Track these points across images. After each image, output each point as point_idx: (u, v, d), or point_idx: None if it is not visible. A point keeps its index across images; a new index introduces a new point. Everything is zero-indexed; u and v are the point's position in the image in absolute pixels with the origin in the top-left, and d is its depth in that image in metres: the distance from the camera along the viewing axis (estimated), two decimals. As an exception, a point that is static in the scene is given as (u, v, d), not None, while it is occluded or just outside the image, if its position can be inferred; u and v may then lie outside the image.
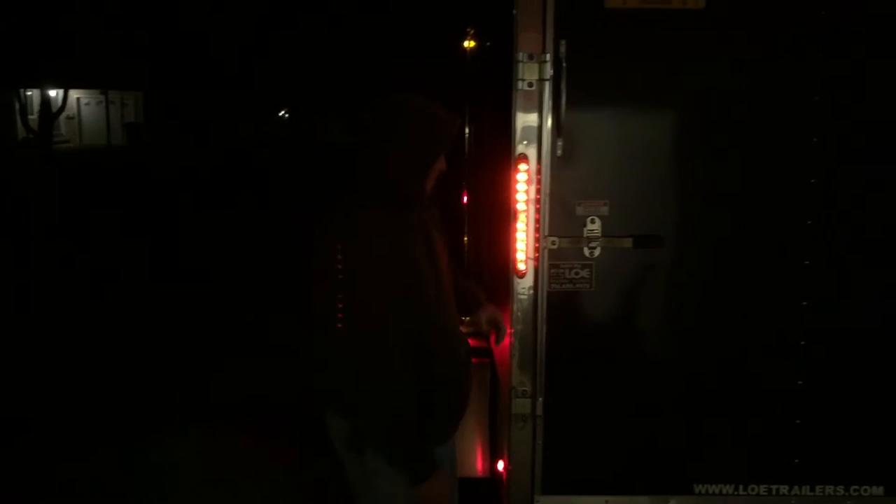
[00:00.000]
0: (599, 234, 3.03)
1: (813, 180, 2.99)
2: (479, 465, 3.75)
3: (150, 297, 8.21)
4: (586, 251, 3.04)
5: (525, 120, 2.99)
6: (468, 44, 5.19)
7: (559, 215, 3.03)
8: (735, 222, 3.04)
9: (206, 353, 6.38)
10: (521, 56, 2.95)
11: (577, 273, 3.06)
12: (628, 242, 3.03)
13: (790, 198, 3.01)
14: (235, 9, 26.49)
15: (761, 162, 3.01)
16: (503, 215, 3.23)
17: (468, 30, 5.17)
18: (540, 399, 3.08)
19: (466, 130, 5.22)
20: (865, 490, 3.12)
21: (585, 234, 3.03)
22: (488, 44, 4.31)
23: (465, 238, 5.30)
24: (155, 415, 5.14)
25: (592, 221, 3.03)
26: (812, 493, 3.12)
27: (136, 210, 14.10)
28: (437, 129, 2.36)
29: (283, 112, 39.73)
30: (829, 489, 3.12)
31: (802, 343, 3.06)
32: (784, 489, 3.12)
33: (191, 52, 27.76)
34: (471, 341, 4.01)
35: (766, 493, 3.12)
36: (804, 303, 3.04)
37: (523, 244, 3.05)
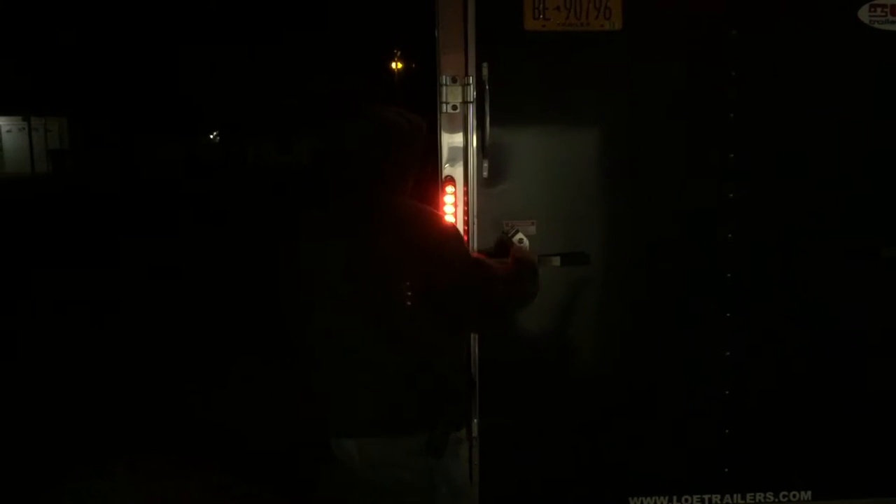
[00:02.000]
0: (528, 254, 3.05)
1: (731, 195, 3.07)
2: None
3: (76, 328, 7.96)
4: (516, 271, 3.05)
5: (450, 142, 3.01)
6: (396, 65, 5.22)
7: (488, 235, 3.04)
8: (658, 237, 3.10)
9: (130, 384, 6.21)
10: (443, 79, 2.97)
11: (507, 293, 3.07)
12: (556, 261, 3.06)
13: (710, 213, 3.09)
14: (161, 30, 26.09)
15: (681, 179, 3.08)
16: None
17: (395, 52, 5.19)
18: (475, 420, 3.08)
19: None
20: (794, 495, 3.20)
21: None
22: (414, 65, 4.33)
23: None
24: (74, 451, 4.96)
25: (521, 241, 3.05)
26: (743, 501, 3.19)
27: (64, 240, 13.71)
28: (415, 133, 2.49)
29: (213, 134, 39.22)
30: (760, 496, 3.19)
31: (728, 353, 3.13)
32: (716, 498, 3.18)
33: (115, 75, 27.23)
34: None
35: (699, 503, 3.18)
36: (728, 314, 3.12)
37: (452, 265, 3.05)
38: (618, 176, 3.11)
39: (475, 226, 3.02)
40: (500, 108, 2.97)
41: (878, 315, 3.15)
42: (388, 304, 2.34)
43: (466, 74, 2.96)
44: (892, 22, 3.04)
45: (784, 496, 3.19)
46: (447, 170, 3.02)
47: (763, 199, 3.08)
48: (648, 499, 3.17)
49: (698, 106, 3.06)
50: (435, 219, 2.44)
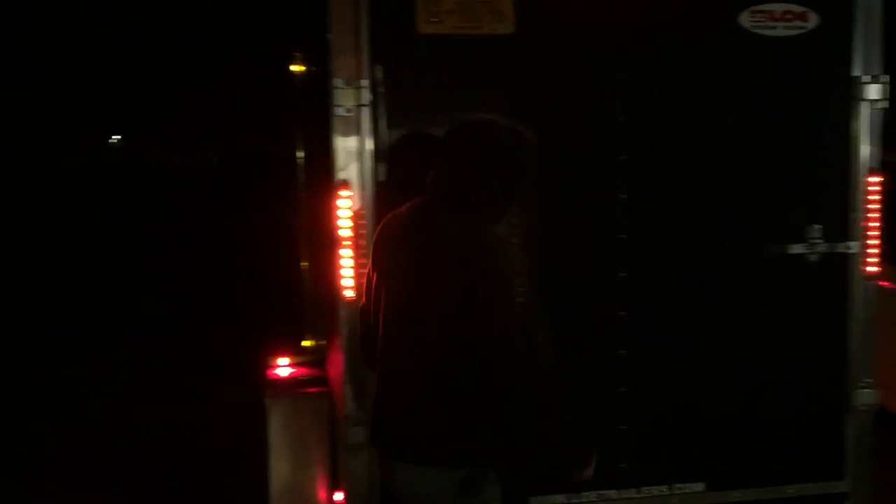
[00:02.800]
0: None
1: (623, 196, 3.14)
2: (320, 497, 3.67)
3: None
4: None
5: (345, 145, 2.98)
6: (296, 68, 5.13)
7: (384, 240, 3.02)
8: (553, 239, 3.14)
9: (19, 401, 5.93)
10: (337, 82, 2.93)
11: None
12: (454, 263, 3.05)
13: (602, 214, 3.14)
14: (57, 31, 25.10)
15: (574, 180, 3.13)
16: (331, 241, 3.19)
17: (295, 54, 5.11)
18: (374, 425, 3.05)
19: (300, 155, 5.16)
20: (688, 487, 3.28)
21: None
22: (313, 68, 4.27)
23: (305, 264, 5.22)
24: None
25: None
26: (639, 495, 3.25)
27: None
28: (518, 149, 2.41)
29: (114, 139, 37.92)
30: (655, 490, 3.26)
31: (622, 352, 3.19)
32: (613, 494, 3.23)
33: (14, 80, 26.04)
34: (306, 370, 4.00)
35: (596, 500, 3.22)
36: (622, 313, 3.18)
37: (350, 270, 3.02)
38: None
39: (371, 230, 2.99)
40: (396, 111, 2.96)
41: (763, 310, 3.26)
42: (447, 332, 2.28)
43: (360, 77, 2.93)
44: (772, 27, 3.17)
45: (678, 488, 3.27)
46: (342, 173, 2.98)
47: (653, 200, 3.15)
48: (546, 498, 3.19)
49: (589, 109, 3.11)
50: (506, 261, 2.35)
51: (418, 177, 3.07)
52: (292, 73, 5.18)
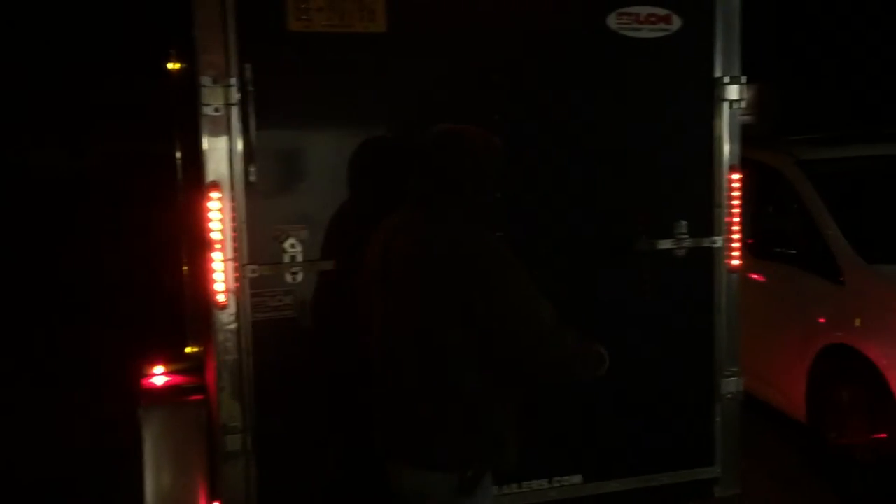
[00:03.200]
0: (301, 259, 2.99)
1: (498, 195, 3.16)
2: (198, 508, 3.56)
3: None
4: (288, 277, 2.99)
5: (214, 145, 2.89)
6: (172, 65, 4.97)
7: (258, 242, 2.96)
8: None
9: None
10: (204, 80, 2.85)
11: (280, 300, 3.00)
12: (330, 265, 3.02)
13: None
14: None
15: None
16: (203, 244, 3.09)
17: (170, 51, 4.95)
18: (250, 433, 2.98)
19: (177, 154, 5.00)
20: (567, 480, 3.35)
21: (286, 260, 2.98)
22: (185, 66, 4.14)
23: (186, 268, 5.06)
24: None
25: (293, 246, 2.99)
26: (520, 490, 3.29)
27: None
28: (494, 152, 2.63)
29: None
30: (535, 483, 3.31)
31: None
32: (494, 490, 3.25)
33: None
34: (183, 378, 3.88)
35: (477, 496, 3.24)
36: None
37: (222, 274, 2.94)
38: (388, 178, 3.11)
39: (244, 232, 2.93)
40: (267, 110, 2.89)
41: (634, 304, 3.35)
42: (442, 335, 2.44)
43: (228, 76, 2.86)
44: (637, 29, 3.26)
45: (557, 482, 3.33)
46: (212, 175, 2.90)
47: (525, 199, 3.19)
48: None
49: (462, 107, 3.12)
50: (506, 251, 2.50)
51: (290, 177, 3.03)
52: (168, 71, 5.01)
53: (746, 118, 3.55)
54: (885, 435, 3.86)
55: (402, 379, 2.52)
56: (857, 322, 4.14)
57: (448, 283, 2.41)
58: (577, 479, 3.34)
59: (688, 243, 3.35)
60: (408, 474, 2.55)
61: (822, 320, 4.37)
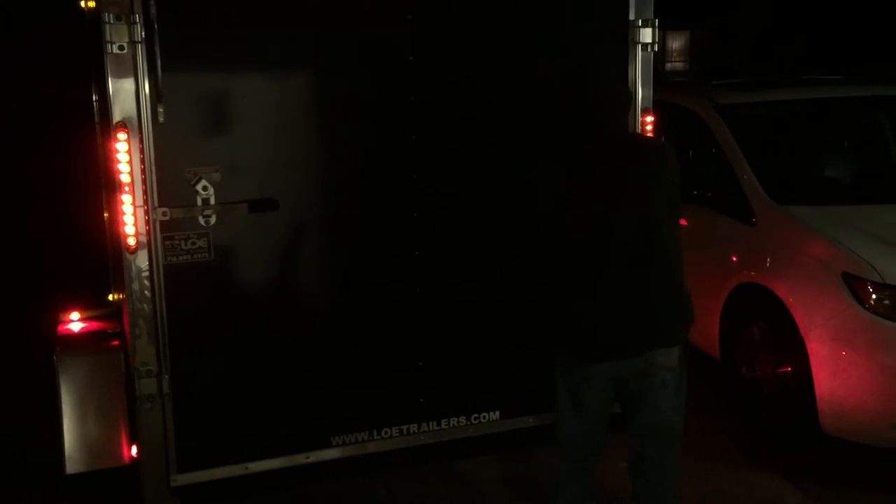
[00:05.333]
0: (213, 202, 2.96)
1: (413, 137, 3.17)
2: (118, 453, 3.55)
3: None
4: (201, 220, 2.96)
5: (120, 85, 2.82)
6: (86, 4, 4.78)
7: (169, 185, 2.91)
8: (345, 180, 3.14)
9: None
10: (107, 17, 2.76)
11: (193, 243, 2.98)
12: (243, 208, 3.00)
13: (394, 155, 3.17)
14: None
15: (366, 123, 3.13)
16: (113, 187, 3.03)
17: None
18: (166, 377, 2.97)
19: (94, 98, 4.84)
20: (485, 417, 3.43)
21: (199, 203, 2.95)
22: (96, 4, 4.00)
23: (106, 214, 4.94)
24: None
25: (205, 189, 2.95)
26: (439, 428, 3.36)
27: None
28: None
29: None
30: (454, 421, 3.38)
31: (417, 290, 3.26)
32: (414, 428, 3.33)
33: None
34: (101, 324, 3.83)
35: (398, 435, 3.31)
36: (416, 252, 3.24)
37: (131, 217, 2.89)
38: (303, 119, 3.09)
39: (153, 174, 2.88)
40: (175, 48, 2.83)
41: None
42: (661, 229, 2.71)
43: (133, 12, 2.77)
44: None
45: (475, 419, 3.41)
46: (118, 115, 2.83)
47: (441, 141, 3.20)
48: (350, 436, 3.25)
49: (380, 49, 3.10)
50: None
51: (202, 118, 2.98)
52: (83, 10, 4.83)
53: (678, 64, 3.59)
54: (789, 369, 4.03)
55: (635, 275, 2.66)
56: (768, 262, 4.27)
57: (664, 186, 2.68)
58: (495, 415, 3.43)
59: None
60: (637, 362, 2.70)
61: (735, 259, 4.50)
